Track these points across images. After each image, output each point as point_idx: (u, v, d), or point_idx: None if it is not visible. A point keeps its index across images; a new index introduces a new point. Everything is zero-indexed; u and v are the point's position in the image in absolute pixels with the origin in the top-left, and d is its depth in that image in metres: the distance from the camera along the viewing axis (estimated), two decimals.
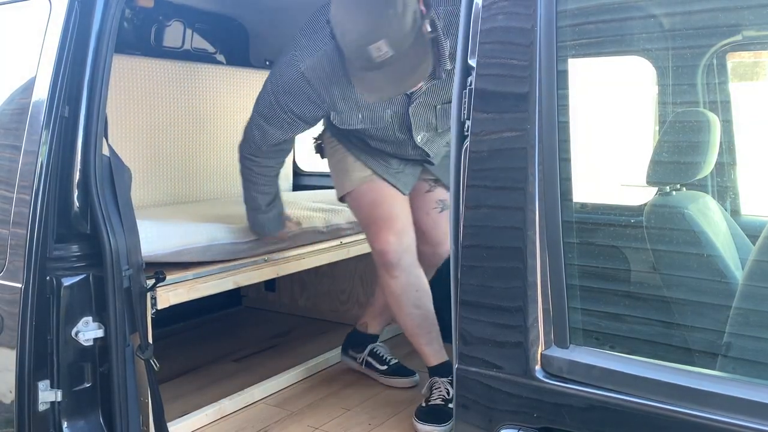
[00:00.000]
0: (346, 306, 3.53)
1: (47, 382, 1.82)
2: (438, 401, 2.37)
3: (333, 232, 2.93)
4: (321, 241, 2.89)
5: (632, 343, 1.40)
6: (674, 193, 1.65)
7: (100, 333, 1.86)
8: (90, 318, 1.86)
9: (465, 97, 1.29)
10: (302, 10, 3.42)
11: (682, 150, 1.64)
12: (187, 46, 3.45)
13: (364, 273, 3.41)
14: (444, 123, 2.31)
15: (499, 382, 1.27)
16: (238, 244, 2.48)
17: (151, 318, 2.05)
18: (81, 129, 1.82)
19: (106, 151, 1.87)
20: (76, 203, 1.84)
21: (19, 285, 1.81)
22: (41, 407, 1.82)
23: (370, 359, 2.78)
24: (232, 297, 3.72)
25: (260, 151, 2.37)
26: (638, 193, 1.71)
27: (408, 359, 2.99)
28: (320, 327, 3.46)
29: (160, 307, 2.12)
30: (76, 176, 1.82)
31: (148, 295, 2.00)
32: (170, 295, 2.18)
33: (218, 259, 2.44)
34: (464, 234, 1.30)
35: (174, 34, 3.38)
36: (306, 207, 2.92)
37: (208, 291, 2.36)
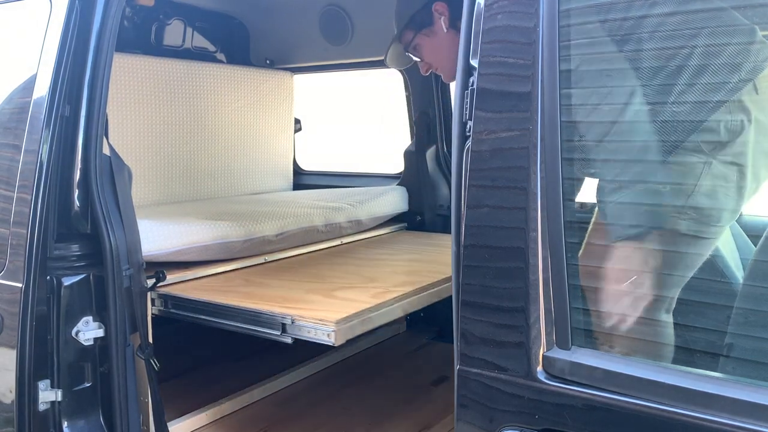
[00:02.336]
0: None
1: (47, 381, 1.82)
2: None
3: (333, 231, 2.92)
4: (321, 241, 2.89)
5: (633, 344, 1.40)
6: None
7: (100, 333, 1.86)
8: (90, 318, 1.86)
9: (467, 98, 1.29)
10: (303, 10, 3.44)
11: None
12: (187, 45, 3.45)
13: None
14: None
15: (501, 383, 1.26)
16: (236, 243, 2.47)
17: (152, 317, 2.05)
18: (81, 128, 1.82)
19: (106, 151, 1.87)
20: (77, 203, 1.84)
21: (20, 285, 1.80)
22: (41, 407, 1.81)
23: None
24: None
25: None
26: None
27: (411, 358, 2.99)
28: None
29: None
30: (77, 176, 1.82)
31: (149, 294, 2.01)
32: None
33: (217, 258, 2.44)
34: (465, 234, 1.29)
35: (174, 32, 3.38)
36: (306, 205, 2.91)
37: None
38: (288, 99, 3.70)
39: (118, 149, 1.93)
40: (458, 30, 2.15)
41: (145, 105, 2.98)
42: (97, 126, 1.82)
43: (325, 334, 1.79)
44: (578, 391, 1.19)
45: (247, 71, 3.49)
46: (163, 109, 3.06)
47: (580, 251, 1.34)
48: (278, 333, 1.90)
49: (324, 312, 1.87)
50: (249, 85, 3.46)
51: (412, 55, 2.33)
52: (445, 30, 2.21)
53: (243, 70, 3.48)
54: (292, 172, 3.80)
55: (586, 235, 1.39)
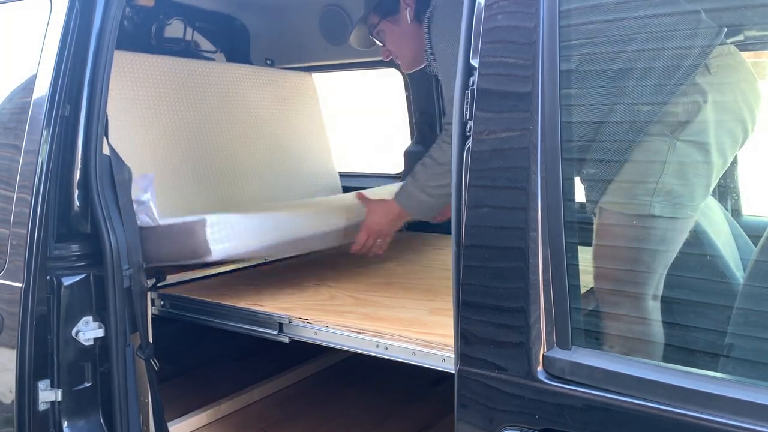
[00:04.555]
0: None
1: (47, 381, 1.82)
2: None
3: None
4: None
5: (633, 344, 1.40)
6: None
7: (100, 333, 1.86)
8: (90, 317, 1.86)
9: (467, 98, 1.29)
10: (303, 10, 3.44)
11: None
12: (186, 45, 3.44)
13: None
14: None
15: (501, 383, 1.26)
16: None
17: (152, 317, 2.05)
18: (81, 128, 1.82)
19: (106, 151, 1.87)
20: (77, 203, 1.84)
21: (20, 285, 1.80)
22: (41, 407, 1.81)
23: None
24: None
25: None
26: None
27: None
28: None
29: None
30: (77, 176, 1.82)
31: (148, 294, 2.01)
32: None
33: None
34: (466, 234, 1.30)
35: (174, 32, 3.37)
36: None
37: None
38: (314, 99, 3.58)
39: (142, 153, 1.90)
40: (421, 23, 2.20)
41: (183, 107, 2.83)
42: (97, 126, 1.82)
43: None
44: (578, 391, 1.19)
45: (275, 73, 3.40)
46: (198, 111, 2.91)
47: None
48: (275, 333, 1.90)
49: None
50: (272, 85, 3.33)
51: (375, 39, 2.36)
52: (409, 21, 2.24)
53: (270, 72, 3.40)
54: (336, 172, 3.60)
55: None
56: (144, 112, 2.60)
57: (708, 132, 1.45)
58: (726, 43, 1.47)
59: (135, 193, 1.98)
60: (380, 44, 2.38)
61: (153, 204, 2.03)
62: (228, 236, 1.98)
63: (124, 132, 2.45)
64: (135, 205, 1.96)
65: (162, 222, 2.04)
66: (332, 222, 2.40)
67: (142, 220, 2.01)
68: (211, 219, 1.97)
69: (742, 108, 1.51)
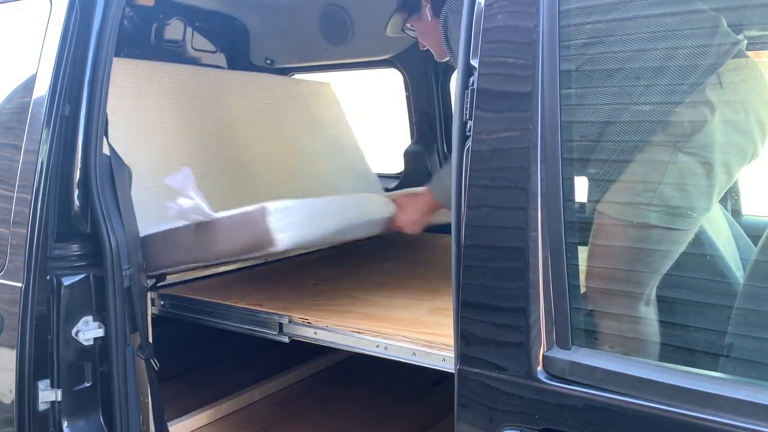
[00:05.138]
0: None
1: (47, 381, 1.82)
2: None
3: None
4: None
5: (633, 344, 1.40)
6: None
7: (100, 332, 1.86)
8: (90, 317, 1.86)
9: (467, 97, 1.29)
10: (303, 10, 3.44)
11: None
12: (186, 45, 3.44)
13: None
14: None
15: (501, 383, 1.26)
16: None
17: (152, 317, 2.05)
18: (81, 128, 1.82)
19: (106, 150, 1.87)
20: (77, 202, 1.84)
21: (20, 284, 1.80)
22: (41, 407, 1.81)
23: None
24: None
25: None
26: None
27: None
28: None
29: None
30: (77, 175, 1.82)
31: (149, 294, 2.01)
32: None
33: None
34: (466, 234, 1.30)
35: (174, 32, 3.38)
36: None
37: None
38: (337, 108, 3.53)
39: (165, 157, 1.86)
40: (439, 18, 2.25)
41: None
42: (97, 126, 1.82)
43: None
44: (578, 391, 1.19)
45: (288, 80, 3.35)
46: (221, 122, 2.81)
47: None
48: (275, 333, 1.90)
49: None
50: (295, 97, 3.24)
51: (407, 33, 2.47)
52: (430, 18, 2.33)
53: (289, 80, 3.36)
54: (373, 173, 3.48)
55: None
56: (163, 123, 2.53)
57: (713, 146, 1.41)
58: (744, 56, 1.44)
59: (172, 197, 1.85)
60: (413, 37, 2.48)
61: (201, 200, 1.84)
62: (292, 224, 1.82)
63: (148, 144, 2.39)
64: (175, 211, 1.83)
65: (217, 216, 1.87)
66: (390, 207, 2.27)
67: (192, 219, 1.87)
68: (271, 206, 1.81)
69: (753, 126, 1.46)
